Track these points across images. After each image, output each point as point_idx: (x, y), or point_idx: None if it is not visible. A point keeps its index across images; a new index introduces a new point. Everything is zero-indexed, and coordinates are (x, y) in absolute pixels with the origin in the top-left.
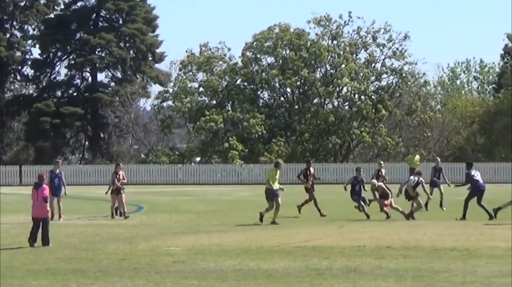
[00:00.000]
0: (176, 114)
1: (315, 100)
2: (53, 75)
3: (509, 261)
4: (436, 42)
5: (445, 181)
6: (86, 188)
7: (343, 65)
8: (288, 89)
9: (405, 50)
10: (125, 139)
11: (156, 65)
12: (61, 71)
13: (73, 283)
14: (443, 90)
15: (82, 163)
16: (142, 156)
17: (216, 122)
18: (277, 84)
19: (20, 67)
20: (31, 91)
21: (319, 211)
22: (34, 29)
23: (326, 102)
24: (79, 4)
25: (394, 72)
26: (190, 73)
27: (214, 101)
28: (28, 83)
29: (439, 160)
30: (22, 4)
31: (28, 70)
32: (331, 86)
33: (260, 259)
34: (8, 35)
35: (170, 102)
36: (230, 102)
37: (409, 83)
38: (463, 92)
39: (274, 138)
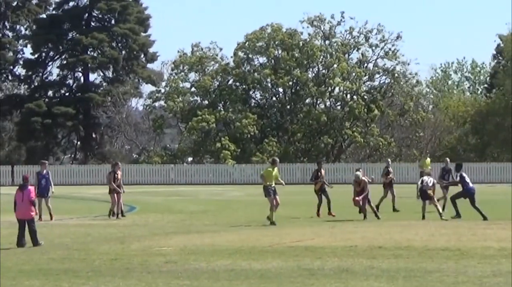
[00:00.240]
0: (168, 114)
1: (307, 100)
2: (45, 75)
3: (501, 261)
4: (428, 42)
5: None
6: (78, 188)
7: (335, 65)
8: (280, 89)
9: (397, 50)
10: (117, 139)
11: (148, 65)
12: (53, 71)
13: (65, 283)
14: (435, 90)
15: (74, 163)
16: (134, 156)
17: (208, 122)
18: (269, 84)
19: (12, 67)
20: (22, 91)
21: (318, 211)
22: (26, 29)
23: (318, 102)
24: (71, 4)
25: (386, 72)
26: (182, 73)
27: (206, 102)
28: (20, 83)
29: (448, 160)
30: (14, 4)
31: (20, 70)
32: (323, 86)
33: (252, 259)
34: None
35: (162, 102)
36: (222, 102)
37: (401, 83)
38: (455, 92)
39: (266, 139)
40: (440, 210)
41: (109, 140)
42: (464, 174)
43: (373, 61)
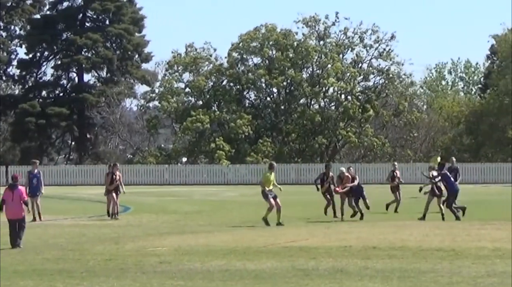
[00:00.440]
0: (162, 115)
1: (302, 101)
2: (39, 76)
3: (495, 262)
4: (423, 43)
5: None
6: (73, 188)
7: (329, 66)
8: (275, 90)
9: (392, 51)
10: (111, 139)
11: (143, 65)
12: (47, 71)
13: (60, 284)
14: (430, 90)
15: (69, 164)
16: (129, 156)
17: (203, 122)
18: (263, 85)
19: (6, 67)
20: (17, 92)
21: (334, 211)
22: (20, 29)
23: (313, 102)
24: (65, 4)
25: (380, 73)
26: (176, 73)
27: (200, 102)
28: (14, 84)
29: (454, 159)
30: (8, 4)
31: (14, 70)
32: (318, 86)
33: (246, 260)
34: None
35: (156, 103)
36: (217, 102)
37: (395, 83)
38: (449, 92)
39: (260, 139)
40: (443, 211)
41: (104, 140)
42: (448, 173)
43: (368, 62)
